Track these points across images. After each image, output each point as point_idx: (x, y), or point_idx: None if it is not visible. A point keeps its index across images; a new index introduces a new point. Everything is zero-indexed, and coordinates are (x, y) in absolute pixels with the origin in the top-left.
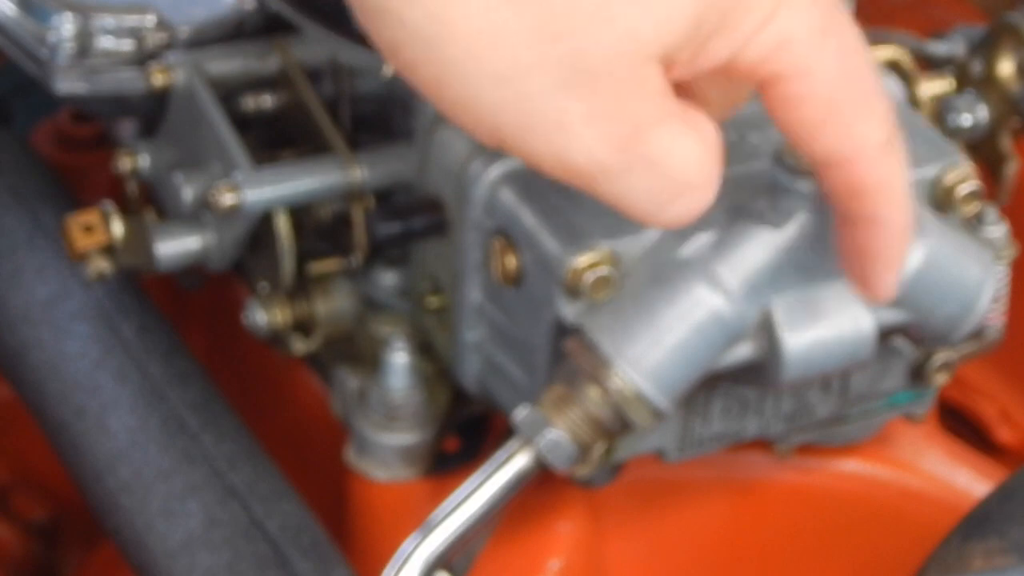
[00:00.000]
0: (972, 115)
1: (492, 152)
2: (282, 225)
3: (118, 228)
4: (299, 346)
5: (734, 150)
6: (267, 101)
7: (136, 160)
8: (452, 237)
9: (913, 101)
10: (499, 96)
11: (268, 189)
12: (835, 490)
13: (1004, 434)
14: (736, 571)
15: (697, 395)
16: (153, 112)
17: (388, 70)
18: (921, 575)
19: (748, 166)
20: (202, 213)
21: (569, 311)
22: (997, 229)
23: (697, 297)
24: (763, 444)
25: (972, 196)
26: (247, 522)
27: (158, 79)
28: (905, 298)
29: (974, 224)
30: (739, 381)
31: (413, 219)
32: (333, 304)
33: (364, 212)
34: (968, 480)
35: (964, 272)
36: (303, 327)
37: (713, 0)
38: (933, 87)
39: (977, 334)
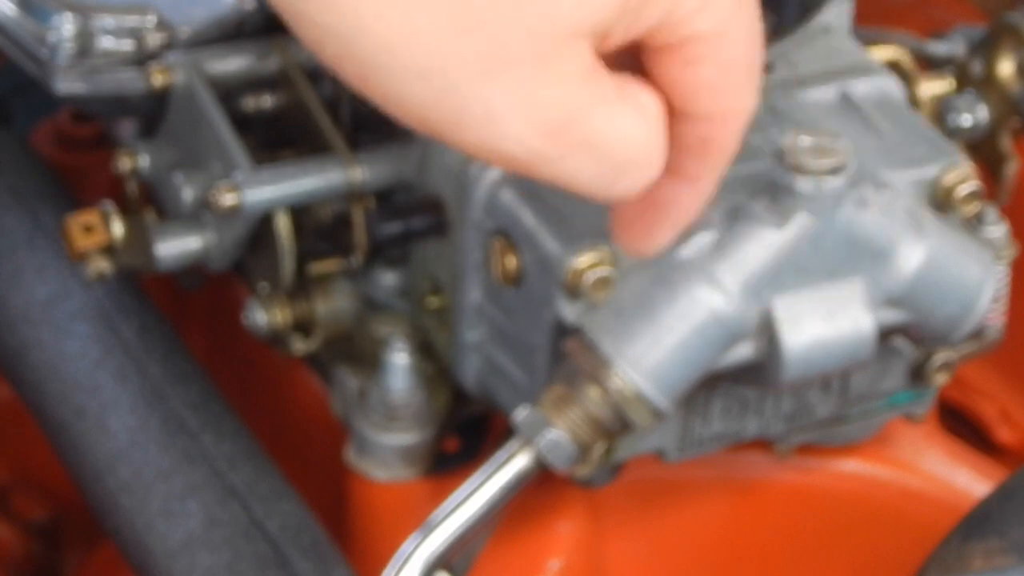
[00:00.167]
0: (972, 115)
1: None
2: (282, 225)
3: (118, 228)
4: (299, 346)
5: None
6: (267, 101)
7: (136, 160)
8: (452, 237)
9: (913, 101)
10: (422, 91)
11: (268, 189)
12: (835, 490)
13: (1004, 434)
14: (736, 571)
15: (697, 395)
16: (153, 112)
17: None
18: (921, 575)
19: (748, 166)
20: (202, 213)
21: (569, 311)
22: (997, 229)
23: (697, 297)
24: (763, 444)
25: (972, 196)
26: (247, 522)
27: (158, 79)
28: (905, 298)
29: (974, 224)
30: (739, 381)
31: (413, 219)
32: (333, 304)
33: (364, 212)
34: (968, 480)
35: (964, 272)
36: (303, 327)
37: None
38: (933, 87)
39: (977, 334)
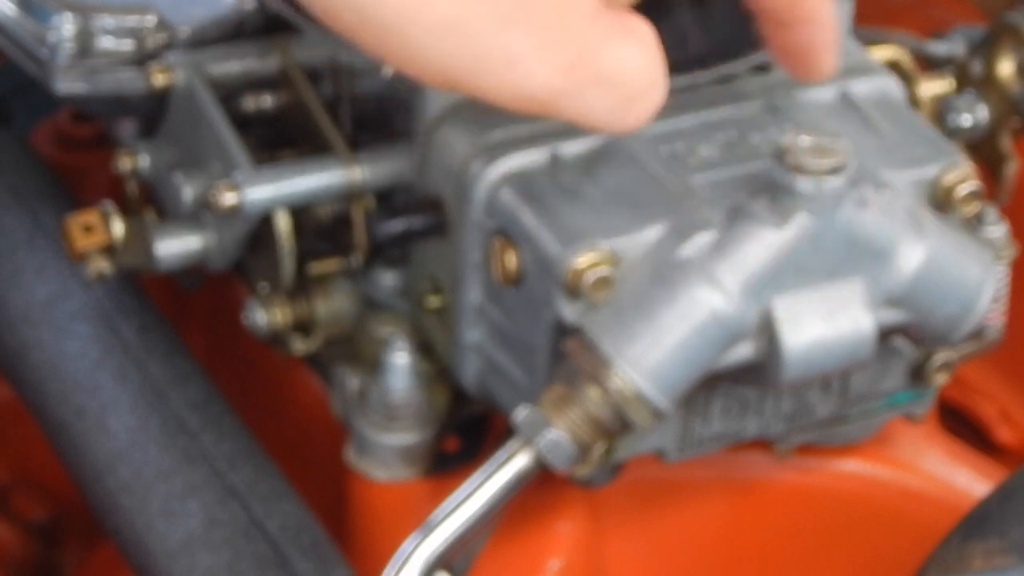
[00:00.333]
0: (972, 115)
1: (492, 152)
2: (282, 225)
3: (118, 228)
4: (299, 346)
5: (734, 150)
6: (267, 101)
7: (136, 160)
8: (452, 237)
9: (913, 101)
10: (444, 46)
11: (268, 189)
12: (835, 490)
13: (1004, 434)
14: (736, 571)
15: (697, 395)
16: (153, 112)
17: (388, 70)
18: (921, 575)
19: (748, 166)
20: (202, 213)
21: (569, 311)
22: (997, 229)
23: (697, 297)
24: (763, 444)
25: (972, 196)
26: (247, 522)
27: (158, 79)
28: (905, 298)
29: (974, 224)
30: (739, 381)
31: (413, 219)
32: (333, 304)
33: (364, 212)
34: (968, 480)
35: (964, 272)
36: (303, 327)
37: None
38: (933, 87)
39: (977, 334)
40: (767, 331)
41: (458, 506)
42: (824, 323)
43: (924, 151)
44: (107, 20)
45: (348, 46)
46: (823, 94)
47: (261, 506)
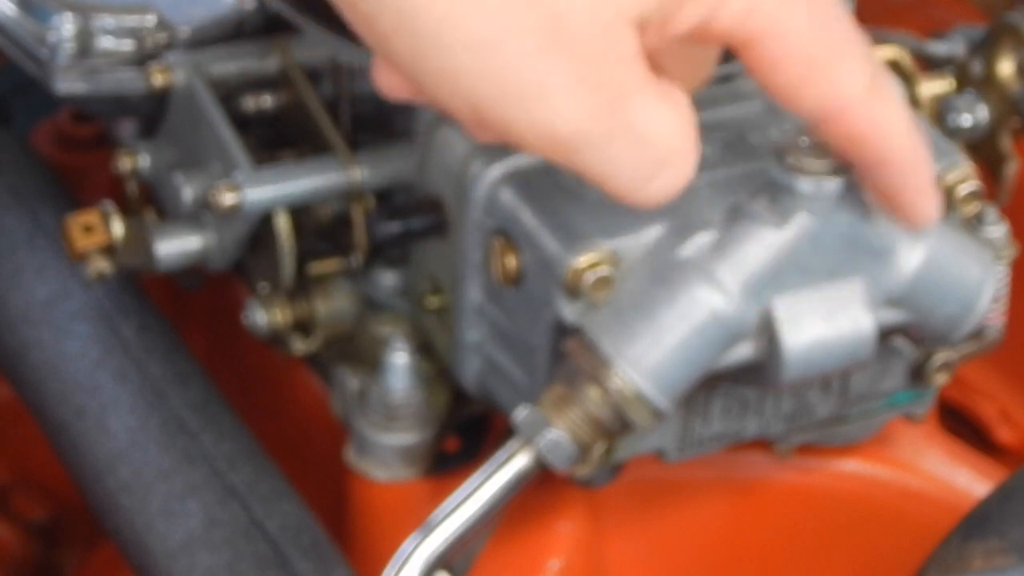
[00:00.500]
0: (972, 115)
1: (492, 152)
2: (282, 225)
3: (118, 228)
4: (299, 346)
5: (734, 150)
6: (267, 101)
7: (136, 160)
8: (452, 237)
9: (913, 101)
10: (477, 65)
11: (268, 189)
12: (835, 490)
13: (1004, 434)
14: (736, 571)
15: (697, 395)
16: (153, 112)
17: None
18: (921, 575)
19: (748, 166)
20: (202, 213)
21: (569, 311)
22: (997, 229)
23: (697, 297)
24: (763, 444)
25: (972, 196)
26: (247, 522)
27: (158, 79)
28: (905, 298)
29: (974, 224)
30: (739, 381)
31: (413, 219)
32: (333, 304)
33: (364, 212)
34: (968, 480)
35: (964, 272)
36: (303, 327)
37: None
38: (933, 87)
39: (977, 334)
40: (767, 331)
41: (458, 506)
42: (824, 323)
43: None
44: (107, 20)
45: (348, 46)
46: None
47: (261, 506)
